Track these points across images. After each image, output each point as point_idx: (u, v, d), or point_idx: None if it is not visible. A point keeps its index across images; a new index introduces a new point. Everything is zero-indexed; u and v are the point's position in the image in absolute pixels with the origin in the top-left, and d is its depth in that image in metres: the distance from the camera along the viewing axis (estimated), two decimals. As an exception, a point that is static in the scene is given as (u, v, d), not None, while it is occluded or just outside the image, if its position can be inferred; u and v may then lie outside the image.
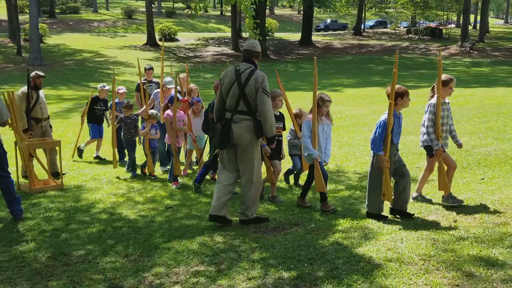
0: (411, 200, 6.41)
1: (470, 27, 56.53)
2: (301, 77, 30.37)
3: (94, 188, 8.09)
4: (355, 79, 28.33)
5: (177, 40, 43.95)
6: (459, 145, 6.83)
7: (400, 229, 5.42)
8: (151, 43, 40.72)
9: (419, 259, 4.51)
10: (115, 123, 9.26)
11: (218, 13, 71.08)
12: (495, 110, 14.61)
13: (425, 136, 6.46)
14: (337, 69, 32.54)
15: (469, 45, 40.74)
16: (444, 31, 51.15)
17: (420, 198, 6.66)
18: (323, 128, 6.58)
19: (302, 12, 51.21)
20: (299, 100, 17.38)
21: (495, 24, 68.56)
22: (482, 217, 5.64)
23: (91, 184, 8.41)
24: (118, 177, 8.85)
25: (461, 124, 12.39)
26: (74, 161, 10.44)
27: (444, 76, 6.38)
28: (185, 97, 8.55)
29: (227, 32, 50.94)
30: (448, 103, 6.53)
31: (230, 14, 45.03)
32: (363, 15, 54.11)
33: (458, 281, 4.01)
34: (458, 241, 4.88)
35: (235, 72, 5.74)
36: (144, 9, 51.40)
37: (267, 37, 43.57)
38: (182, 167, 8.61)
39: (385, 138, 5.76)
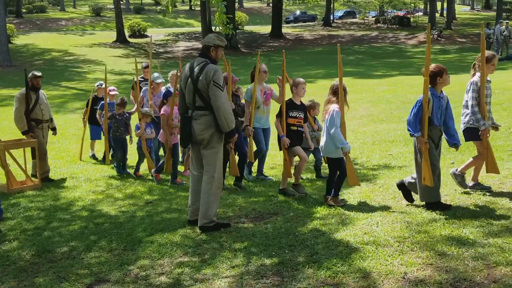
0: (468, 189, 6.23)
1: (437, 15, 57.42)
2: (273, 69, 30.28)
3: (72, 187, 8.11)
4: (327, 69, 28.55)
5: (146, 36, 43.61)
6: (496, 128, 6.42)
7: (375, 214, 5.62)
8: (120, 40, 40.30)
9: (394, 241, 4.71)
10: (108, 117, 9.03)
11: (187, 8, 70.60)
12: (463, 96, 14.97)
13: (468, 117, 6.09)
14: (309, 60, 32.75)
15: (436, 33, 41.39)
16: (412, 19, 51.75)
17: (478, 187, 6.25)
18: None
19: (271, 5, 51.31)
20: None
21: (462, 10, 69.59)
22: (453, 199, 5.88)
23: (69, 182, 8.43)
24: (97, 175, 8.88)
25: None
26: (94, 163, 10.21)
27: (486, 53, 6.02)
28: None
29: (197, 27, 50.73)
30: (490, 81, 6.20)
31: (199, 8, 44.82)
32: (331, 6, 54.44)
33: (431, 260, 4.21)
34: (431, 223, 5.10)
35: (189, 67, 5.59)
36: (112, 6, 50.80)
37: (237, 31, 43.55)
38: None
39: (422, 119, 5.47)
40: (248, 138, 7.54)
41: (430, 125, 5.53)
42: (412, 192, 5.96)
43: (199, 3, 40.45)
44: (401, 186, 6.02)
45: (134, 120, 9.19)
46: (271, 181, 7.78)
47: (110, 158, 9.36)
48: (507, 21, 31.02)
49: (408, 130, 5.62)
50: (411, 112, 5.57)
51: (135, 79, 9.57)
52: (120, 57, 35.19)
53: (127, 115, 9.01)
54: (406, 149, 9.16)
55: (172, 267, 4.60)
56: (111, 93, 9.87)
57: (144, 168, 8.83)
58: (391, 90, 17.53)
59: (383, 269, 4.12)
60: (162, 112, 7.84)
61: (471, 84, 6.04)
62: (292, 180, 6.91)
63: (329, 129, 6.08)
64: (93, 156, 10.47)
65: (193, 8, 67.88)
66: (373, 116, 13.73)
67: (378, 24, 52.33)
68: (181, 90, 5.73)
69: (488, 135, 6.02)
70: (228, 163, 7.24)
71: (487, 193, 6.05)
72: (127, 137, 9.04)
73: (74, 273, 4.61)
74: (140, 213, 6.47)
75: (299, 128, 6.79)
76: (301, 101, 6.90)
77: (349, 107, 6.41)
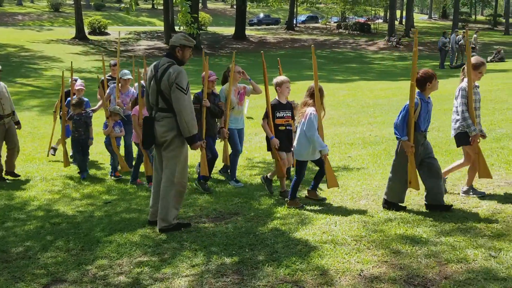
0: (461, 194, 6.16)
1: (396, 22, 58.68)
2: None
3: (27, 186, 7.94)
4: (289, 72, 28.75)
5: (107, 33, 42.95)
6: (483, 136, 6.28)
7: (334, 214, 5.72)
8: (80, 37, 39.52)
9: (351, 240, 4.82)
10: (67, 118, 8.67)
11: (150, 6, 69.96)
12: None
13: (459, 123, 6.05)
14: (272, 63, 32.80)
15: (395, 40, 42.33)
16: (372, 26, 52.78)
17: (472, 192, 6.16)
18: None
19: (235, 7, 51.40)
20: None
21: (420, 19, 71.32)
22: (407, 199, 6.03)
23: (24, 182, 8.24)
24: (53, 174, 8.71)
25: (389, 116, 12.98)
26: (49, 161, 9.87)
27: (475, 59, 6.12)
28: None
29: (159, 26, 50.27)
30: (478, 86, 6.25)
31: (162, 7, 44.44)
32: (295, 10, 54.95)
33: (386, 258, 4.33)
34: (386, 222, 5.24)
35: (154, 67, 5.46)
36: (72, 2, 49.83)
37: (200, 31, 43.41)
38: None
39: (409, 123, 5.49)
40: (223, 141, 7.41)
41: (415, 131, 5.55)
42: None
43: (162, 1, 40.08)
44: (386, 203, 5.86)
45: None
46: (242, 187, 7.46)
47: (70, 160, 9.05)
48: (464, 30, 31.99)
49: (395, 133, 5.60)
50: (399, 115, 5.57)
51: (103, 78, 9.22)
52: (78, 54, 34.51)
53: (87, 114, 8.53)
54: (365, 151, 9.35)
55: (131, 267, 4.58)
56: (77, 87, 9.27)
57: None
58: (351, 94, 17.82)
59: (340, 267, 4.22)
60: (133, 112, 7.60)
61: (459, 90, 6.02)
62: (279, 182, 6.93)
63: (306, 132, 6.03)
64: (53, 150, 9.98)
65: (155, 7, 67.30)
66: (333, 120, 13.94)
67: (340, 30, 53.11)
68: (146, 91, 5.63)
69: (478, 140, 6.00)
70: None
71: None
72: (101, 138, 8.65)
73: (30, 273, 4.53)
74: (98, 213, 6.40)
75: (287, 127, 6.74)
76: (287, 100, 6.83)
77: (325, 111, 6.37)
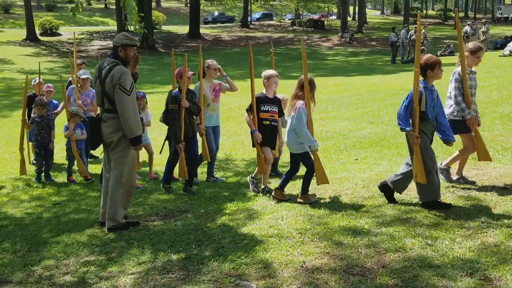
0: (452, 183, 6.14)
1: (350, 19, 59.61)
2: (191, 69, 30.41)
3: (-26, 190, 7.77)
4: (244, 70, 28.88)
5: (59, 34, 42.02)
6: (478, 123, 6.03)
7: (281, 208, 5.84)
8: (31, 38, 38.55)
9: (296, 233, 4.94)
10: (29, 123, 8.25)
11: (103, 6, 68.69)
12: (371, 96, 15.70)
13: (452, 108, 5.94)
14: (227, 61, 32.87)
15: (348, 36, 43.04)
16: (326, 22, 53.47)
17: (462, 181, 6.15)
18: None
19: (189, 5, 51.12)
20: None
21: (373, 15, 72.72)
22: (353, 192, 6.22)
23: (-29, 185, 8.06)
24: (3, 177, 8.53)
25: (340, 111, 13.26)
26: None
27: (472, 45, 6.01)
28: None
29: (112, 26, 49.49)
30: (475, 72, 6.08)
31: (114, 7, 43.74)
32: (249, 7, 55.09)
33: (328, 249, 4.47)
34: (331, 215, 5.39)
35: (98, 68, 5.44)
36: (22, 3, 48.43)
37: (154, 30, 42.98)
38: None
39: (414, 113, 5.27)
40: (201, 137, 7.23)
41: (424, 120, 5.33)
42: (395, 192, 5.73)
43: (114, 1, 39.47)
44: (384, 187, 5.74)
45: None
46: (222, 182, 7.50)
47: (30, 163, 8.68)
48: (415, 25, 32.80)
49: (399, 124, 5.40)
50: (402, 105, 5.35)
51: (70, 78, 8.91)
52: (30, 56, 33.69)
53: (50, 116, 8.26)
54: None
55: (78, 266, 4.58)
56: (46, 89, 8.88)
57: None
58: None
59: (284, 259, 4.33)
60: None
61: (453, 74, 5.87)
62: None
63: (295, 126, 5.92)
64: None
65: (108, 7, 66.17)
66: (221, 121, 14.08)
67: (294, 27, 53.58)
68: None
69: (474, 123, 5.82)
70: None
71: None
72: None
73: (-27, 277, 4.47)
74: (46, 215, 6.34)
75: (272, 123, 6.52)
76: (274, 95, 6.61)
77: (316, 104, 6.23)
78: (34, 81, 9.35)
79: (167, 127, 7.05)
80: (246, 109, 6.60)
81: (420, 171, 5.25)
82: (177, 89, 6.78)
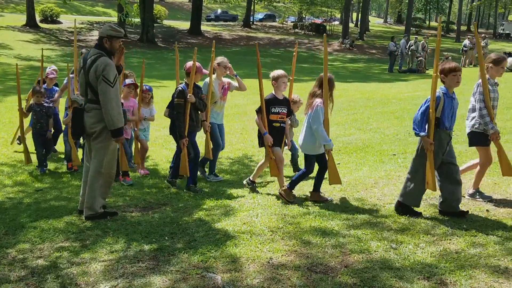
0: (467, 197, 5.97)
1: (352, 25, 59.81)
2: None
3: (-41, 172, 7.86)
4: (242, 70, 28.93)
5: (59, 22, 42.03)
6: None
7: (258, 207, 5.95)
8: (31, 24, 38.53)
9: (268, 231, 5.05)
10: (25, 111, 8.08)
11: (107, -4, 68.77)
12: (364, 104, 15.83)
13: (474, 120, 5.78)
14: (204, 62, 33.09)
15: (349, 42, 43.21)
16: (328, 27, 53.65)
17: (478, 195, 5.97)
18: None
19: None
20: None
21: (376, 23, 72.98)
22: (330, 195, 6.33)
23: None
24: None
25: (331, 116, 13.25)
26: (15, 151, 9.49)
27: (496, 55, 5.90)
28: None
29: (114, 17, 49.58)
30: (497, 84, 5.94)
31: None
32: (252, 7, 55.22)
33: (296, 248, 4.59)
34: (304, 216, 5.51)
35: (83, 59, 5.48)
36: (24, -12, 48.48)
37: (155, 24, 43.05)
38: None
39: (429, 118, 5.15)
40: (205, 134, 7.19)
41: (438, 127, 5.22)
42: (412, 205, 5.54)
43: (117, -7, 39.51)
44: (401, 206, 5.53)
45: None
46: (221, 181, 7.46)
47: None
48: (416, 36, 33.03)
49: (414, 129, 5.30)
50: (419, 110, 5.25)
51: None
52: (29, 42, 33.70)
53: (49, 104, 8.18)
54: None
55: (51, 251, 4.67)
56: (50, 76, 8.81)
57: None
58: (298, 93, 18.16)
59: (252, 255, 4.44)
60: None
61: (477, 86, 5.71)
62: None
63: (312, 125, 5.83)
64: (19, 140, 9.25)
65: (111, -2, 66.19)
66: (226, 118, 14.19)
67: (296, 30, 53.71)
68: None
69: (498, 137, 5.67)
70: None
71: (359, 191, 6.55)
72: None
73: None
74: (27, 200, 6.43)
75: (281, 125, 6.43)
76: (284, 96, 6.49)
77: (334, 103, 6.10)
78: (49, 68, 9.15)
79: (170, 121, 6.99)
80: (256, 111, 6.43)
81: (431, 179, 5.21)
82: (183, 84, 6.75)
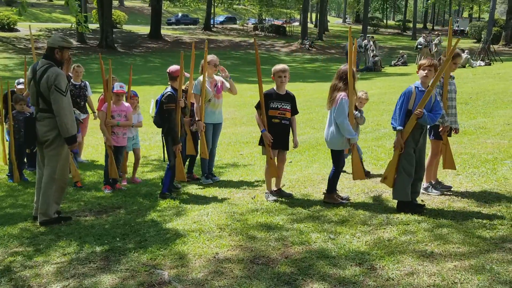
0: (421, 191, 6.00)
1: (312, 25, 60.60)
2: (150, 70, 30.51)
3: None
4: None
5: (16, 30, 41.39)
6: (456, 130, 6.24)
7: (209, 206, 6.18)
8: (-13, 32, 38.04)
9: (216, 228, 5.29)
10: (5, 120, 7.92)
11: (63, 2, 67.79)
12: (320, 103, 16.21)
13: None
14: (186, 63, 33.13)
15: (308, 43, 43.88)
16: (288, 28, 54.28)
17: (439, 187, 6.18)
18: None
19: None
20: (147, 93, 17.65)
21: (335, 23, 74.10)
22: (278, 192, 6.60)
23: None
24: None
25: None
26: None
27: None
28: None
29: (73, 23, 49.02)
30: (453, 78, 6.17)
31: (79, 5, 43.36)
32: (212, 10, 55.39)
33: (241, 243, 4.84)
34: (252, 212, 5.76)
35: (32, 68, 5.61)
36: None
37: (114, 30, 42.81)
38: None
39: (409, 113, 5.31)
40: (200, 134, 7.17)
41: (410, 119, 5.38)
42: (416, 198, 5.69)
43: (74, -1, 39.07)
44: (398, 205, 5.60)
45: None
46: (218, 181, 7.53)
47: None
48: (371, 35, 33.81)
49: (391, 123, 5.51)
50: (396, 105, 5.46)
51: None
52: (-15, 51, 33.11)
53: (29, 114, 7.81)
54: (257, 149, 9.86)
55: (5, 256, 4.80)
56: (18, 86, 8.49)
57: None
58: (257, 95, 18.47)
59: (199, 251, 4.67)
60: (101, 108, 7.27)
61: None
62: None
63: (336, 118, 5.73)
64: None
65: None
66: (235, 120, 14.51)
67: (256, 32, 54.14)
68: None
69: (447, 131, 5.98)
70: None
71: (294, 188, 6.85)
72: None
73: None
74: (-18, 209, 6.50)
75: (282, 121, 6.16)
76: (287, 91, 6.27)
77: (357, 96, 5.98)
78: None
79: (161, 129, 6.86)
80: (255, 107, 6.28)
81: (391, 175, 5.46)
82: (169, 88, 6.70)
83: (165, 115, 6.58)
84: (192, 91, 7.18)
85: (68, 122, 5.51)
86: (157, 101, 6.81)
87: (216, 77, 7.46)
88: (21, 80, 8.41)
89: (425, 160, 5.89)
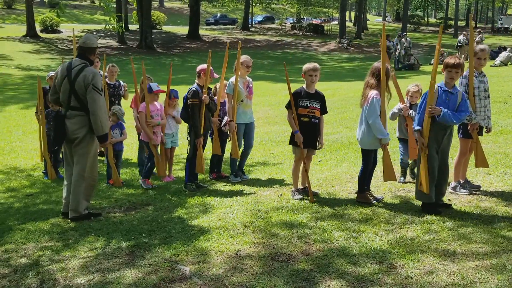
0: (449, 191, 5.96)
1: (350, 24, 60.01)
2: (187, 70, 30.82)
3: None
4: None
5: (59, 31, 42.56)
6: (488, 129, 6.07)
7: (235, 203, 6.22)
8: (31, 34, 39.12)
9: (240, 226, 5.33)
10: (37, 115, 8.15)
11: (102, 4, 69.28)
12: (354, 102, 15.99)
13: None
14: (223, 62, 33.39)
15: (346, 42, 43.48)
16: (326, 27, 53.91)
17: (468, 186, 6.08)
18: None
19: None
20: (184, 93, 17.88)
21: (376, 21, 73.18)
22: (305, 190, 6.59)
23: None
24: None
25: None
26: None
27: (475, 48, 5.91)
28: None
29: (114, 24, 50.05)
30: (484, 75, 6.00)
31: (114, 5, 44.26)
32: (250, 10, 55.57)
33: (264, 240, 4.86)
34: (277, 210, 5.78)
35: (67, 67, 5.72)
36: (24, -1, 49.04)
37: (154, 30, 43.50)
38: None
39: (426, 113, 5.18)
40: (231, 134, 7.20)
41: (433, 121, 5.23)
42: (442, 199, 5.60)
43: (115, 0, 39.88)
44: (422, 207, 5.48)
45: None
46: (247, 180, 7.57)
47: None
48: (405, 33, 33.28)
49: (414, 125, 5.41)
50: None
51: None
52: (29, 53, 34.20)
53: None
54: (287, 148, 9.81)
55: (35, 251, 4.97)
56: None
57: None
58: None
59: (221, 248, 4.72)
60: (140, 109, 7.37)
61: (461, 78, 5.79)
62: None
63: (368, 118, 5.65)
64: (101, 153, 9.16)
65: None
66: (269, 119, 14.53)
67: (294, 31, 53.99)
68: (54, 88, 5.90)
69: (477, 129, 5.82)
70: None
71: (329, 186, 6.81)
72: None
73: None
74: (17, 205, 6.74)
75: (312, 120, 6.14)
76: (316, 90, 6.27)
77: (391, 95, 5.83)
78: (48, 75, 9.11)
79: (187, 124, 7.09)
80: (286, 107, 6.27)
81: (424, 180, 5.26)
82: (195, 85, 6.94)
83: (189, 109, 6.80)
84: (225, 91, 7.28)
85: (103, 121, 5.68)
86: (184, 97, 6.96)
87: (248, 78, 7.49)
88: (51, 73, 8.54)
89: (452, 160, 5.73)
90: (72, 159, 5.94)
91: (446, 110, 5.17)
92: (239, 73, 7.20)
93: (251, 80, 7.61)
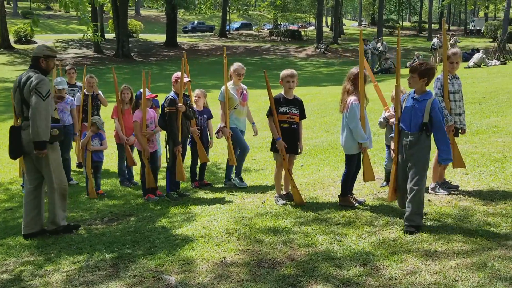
0: (429, 191, 6.05)
1: (327, 29, 60.50)
2: (165, 78, 30.74)
3: None
4: (219, 80, 29.30)
5: (34, 42, 42.06)
6: (462, 131, 6.19)
7: (219, 211, 6.21)
8: (5, 45, 38.58)
9: (225, 233, 5.32)
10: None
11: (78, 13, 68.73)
12: (334, 106, 16.12)
13: None
14: (201, 70, 33.34)
15: (323, 47, 43.81)
16: (303, 33, 54.28)
17: (446, 186, 6.11)
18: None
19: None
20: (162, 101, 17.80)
21: (352, 26, 73.89)
22: (289, 195, 6.61)
23: None
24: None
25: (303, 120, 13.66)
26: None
27: (448, 52, 6.00)
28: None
29: (90, 33, 49.69)
30: (458, 78, 6.12)
31: (90, 15, 43.96)
32: (227, 17, 55.69)
33: (249, 246, 4.86)
34: (261, 216, 5.78)
35: (19, 78, 5.61)
36: (-3, 10, 48.34)
37: (131, 39, 43.29)
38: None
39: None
40: (227, 141, 7.27)
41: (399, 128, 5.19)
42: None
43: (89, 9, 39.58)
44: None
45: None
46: (228, 186, 7.57)
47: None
48: (381, 37, 33.68)
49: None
50: None
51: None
52: (3, 64, 33.74)
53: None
54: (269, 154, 9.87)
55: (16, 266, 4.90)
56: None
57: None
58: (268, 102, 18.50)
59: (207, 256, 4.71)
60: (134, 119, 7.21)
61: (436, 81, 5.91)
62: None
63: (349, 123, 5.71)
64: (79, 165, 9.59)
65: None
66: (249, 125, 14.51)
67: (272, 37, 54.24)
68: (13, 101, 5.80)
69: (453, 130, 5.92)
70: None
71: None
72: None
73: None
74: (-3, 219, 6.63)
75: (292, 125, 6.21)
76: (295, 96, 6.32)
77: (368, 100, 5.89)
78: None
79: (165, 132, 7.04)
80: (267, 115, 6.29)
81: (391, 186, 5.30)
82: (172, 93, 6.92)
83: (166, 117, 6.80)
84: (218, 98, 7.36)
85: (40, 126, 5.38)
86: (161, 105, 6.99)
87: (242, 85, 7.51)
88: (59, 79, 8.56)
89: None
90: (31, 174, 5.75)
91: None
92: (232, 81, 7.33)
93: (245, 87, 7.63)
